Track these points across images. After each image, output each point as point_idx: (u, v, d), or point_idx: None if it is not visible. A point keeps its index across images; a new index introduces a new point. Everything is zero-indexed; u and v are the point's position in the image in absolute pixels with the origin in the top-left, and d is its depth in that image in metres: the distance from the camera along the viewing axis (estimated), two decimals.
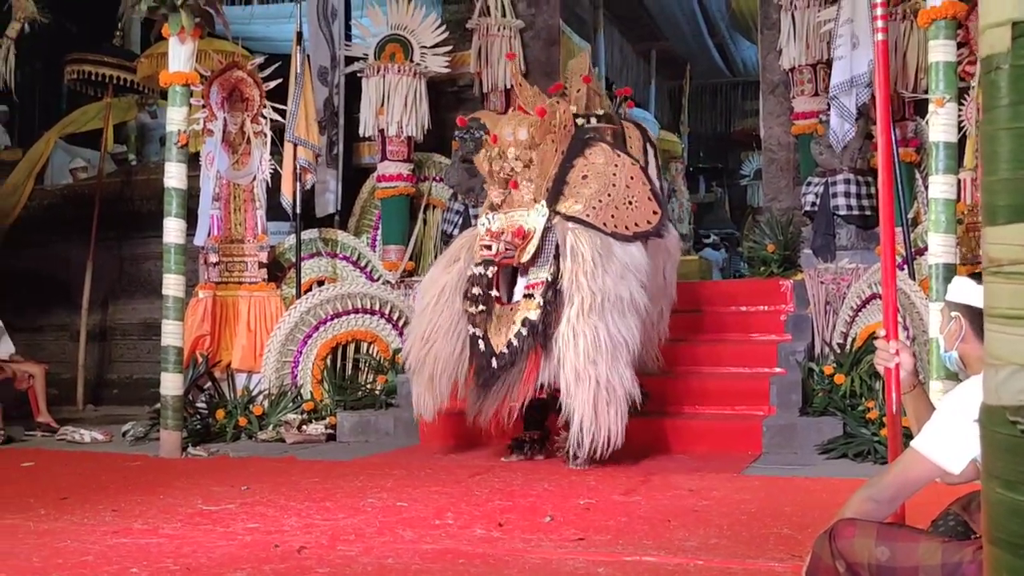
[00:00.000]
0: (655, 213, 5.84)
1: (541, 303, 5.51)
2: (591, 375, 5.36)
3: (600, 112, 6.50)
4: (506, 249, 5.60)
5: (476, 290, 5.61)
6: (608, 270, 5.52)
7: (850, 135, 7.02)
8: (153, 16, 6.49)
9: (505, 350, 5.55)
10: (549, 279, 5.54)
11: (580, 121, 6.16)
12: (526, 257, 5.61)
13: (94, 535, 3.99)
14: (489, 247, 5.63)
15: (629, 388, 5.49)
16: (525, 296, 5.63)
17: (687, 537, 3.79)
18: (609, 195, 5.75)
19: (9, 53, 9.84)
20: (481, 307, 5.58)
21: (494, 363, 5.57)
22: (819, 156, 7.38)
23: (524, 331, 5.52)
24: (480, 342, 5.66)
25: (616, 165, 5.84)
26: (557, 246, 5.60)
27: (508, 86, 9.16)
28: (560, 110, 5.90)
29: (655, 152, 6.62)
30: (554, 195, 5.74)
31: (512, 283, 5.82)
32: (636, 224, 5.78)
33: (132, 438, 7.07)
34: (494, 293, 5.64)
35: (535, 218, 5.65)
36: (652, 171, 6.43)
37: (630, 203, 5.79)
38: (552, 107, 5.86)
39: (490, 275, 5.62)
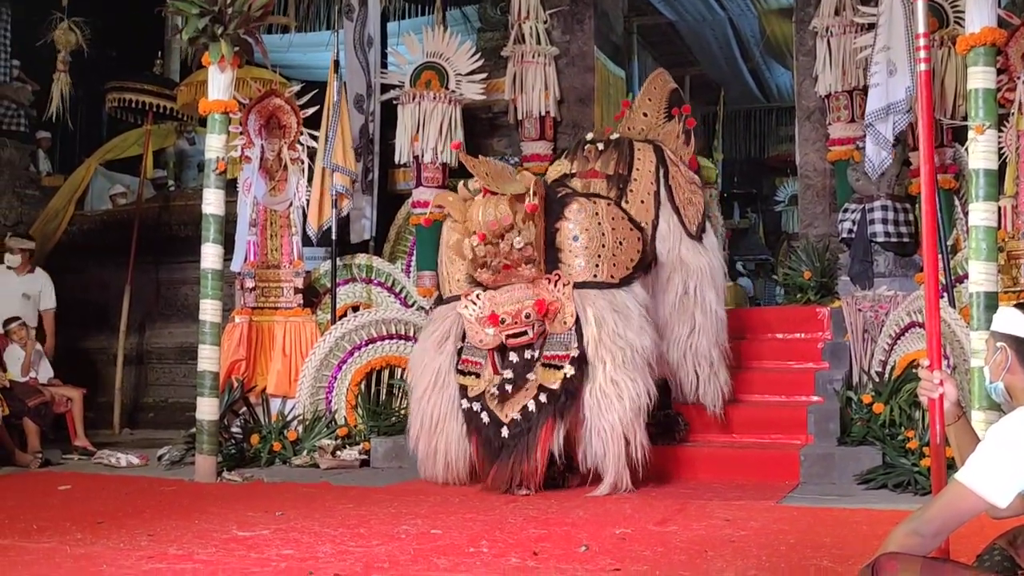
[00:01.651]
0: (639, 240, 5.96)
1: (570, 374, 5.54)
2: (635, 432, 5.53)
3: (614, 137, 6.58)
4: (540, 327, 5.64)
5: (509, 374, 5.67)
6: (629, 325, 5.65)
7: (887, 163, 6.95)
8: (194, 45, 6.58)
9: (518, 416, 5.55)
10: (575, 354, 5.57)
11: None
12: (560, 327, 5.63)
13: (130, 560, 4.00)
14: (525, 333, 5.62)
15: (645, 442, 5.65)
16: (545, 366, 5.62)
17: (724, 568, 3.73)
18: (603, 245, 5.79)
19: (62, 83, 10.03)
20: (496, 390, 5.65)
21: (504, 432, 5.57)
22: (856, 183, 7.32)
23: (543, 398, 5.53)
24: (483, 414, 5.66)
25: (596, 214, 5.85)
26: (577, 317, 5.63)
27: (543, 113, 9.20)
28: (532, 184, 5.67)
29: (665, 171, 6.43)
30: (552, 263, 5.74)
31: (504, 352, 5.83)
32: (631, 260, 5.89)
33: (167, 462, 7.11)
34: (509, 375, 5.68)
35: (552, 292, 5.66)
36: (663, 192, 6.38)
37: (620, 244, 5.87)
38: (528, 187, 5.64)
39: (528, 358, 5.65)
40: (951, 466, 2.74)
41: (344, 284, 8.28)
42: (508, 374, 5.68)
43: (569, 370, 5.55)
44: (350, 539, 4.37)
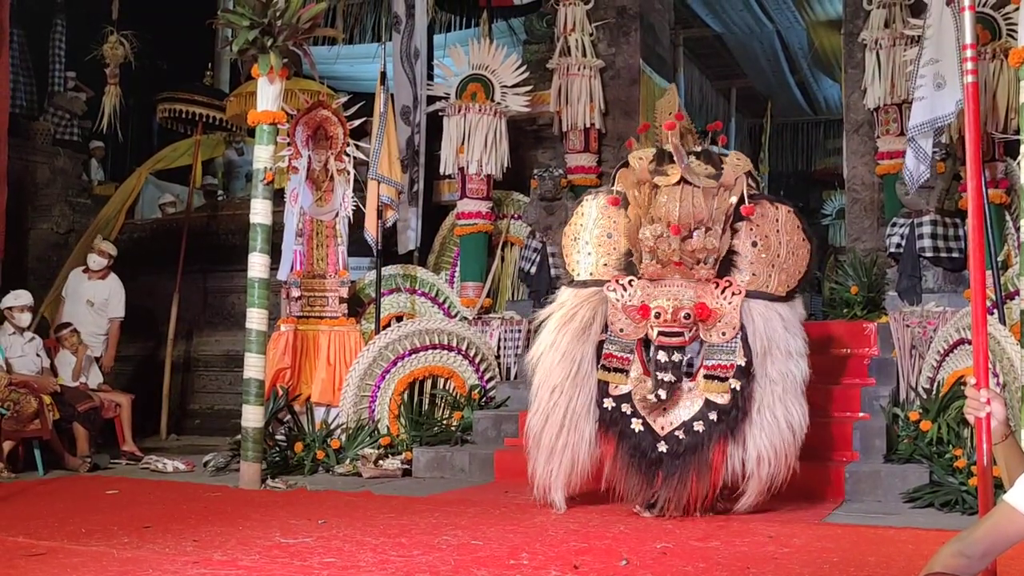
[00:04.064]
0: (808, 252, 5.54)
1: (738, 387, 5.21)
2: (788, 457, 5.21)
3: (697, 149, 6.00)
4: (695, 332, 5.28)
5: (668, 376, 5.22)
6: (797, 345, 5.35)
7: (924, 177, 6.82)
8: (243, 57, 6.67)
9: (681, 434, 5.23)
10: (743, 364, 5.24)
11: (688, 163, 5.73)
12: (718, 338, 5.28)
13: (175, 564, 4.06)
14: (681, 334, 5.22)
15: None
16: (707, 377, 5.28)
17: None
18: (779, 255, 5.45)
19: (112, 95, 10.23)
20: (663, 393, 5.21)
21: (662, 447, 5.25)
22: (904, 197, 7.24)
23: (713, 416, 5.21)
24: (633, 420, 5.30)
25: (777, 220, 5.49)
26: (743, 327, 5.30)
27: (588, 125, 9.19)
28: (744, 184, 5.35)
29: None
30: (725, 266, 5.40)
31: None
32: (799, 272, 5.51)
33: (213, 468, 7.18)
34: (669, 378, 5.23)
35: (717, 298, 5.31)
36: None
37: (793, 254, 5.49)
38: (742, 189, 5.31)
39: (677, 361, 5.25)
40: (999, 486, 2.70)
41: (388, 294, 8.34)
42: (667, 376, 5.22)
43: (736, 383, 5.20)
44: (391, 548, 4.39)
